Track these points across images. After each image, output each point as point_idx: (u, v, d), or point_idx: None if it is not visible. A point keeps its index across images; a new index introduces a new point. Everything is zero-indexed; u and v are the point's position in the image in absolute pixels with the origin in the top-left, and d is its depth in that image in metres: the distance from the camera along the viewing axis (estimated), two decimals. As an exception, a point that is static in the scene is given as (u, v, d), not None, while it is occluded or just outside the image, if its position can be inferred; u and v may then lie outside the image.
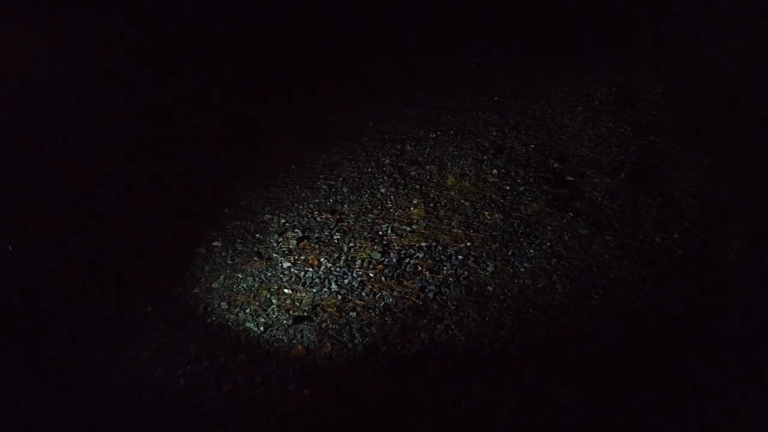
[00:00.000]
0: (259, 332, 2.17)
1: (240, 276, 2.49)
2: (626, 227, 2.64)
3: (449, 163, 3.35)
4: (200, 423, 1.80)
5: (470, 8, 6.23)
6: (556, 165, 3.27)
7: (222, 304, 2.33)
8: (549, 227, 2.67)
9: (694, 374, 1.87)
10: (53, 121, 3.89)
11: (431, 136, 3.72)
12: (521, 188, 3.02)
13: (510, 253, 2.52)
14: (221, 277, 2.49)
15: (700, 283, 2.26)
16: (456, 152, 3.48)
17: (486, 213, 2.83)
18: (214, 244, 2.71)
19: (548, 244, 2.56)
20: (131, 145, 3.58)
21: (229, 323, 2.23)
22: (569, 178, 3.13)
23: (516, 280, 2.35)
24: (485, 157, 3.39)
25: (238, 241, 2.72)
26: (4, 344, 1.78)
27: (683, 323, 2.08)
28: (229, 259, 2.60)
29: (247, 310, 2.28)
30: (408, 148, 3.57)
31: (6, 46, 4.70)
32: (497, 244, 2.58)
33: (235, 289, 2.41)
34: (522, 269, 2.42)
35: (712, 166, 3.17)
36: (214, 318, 2.26)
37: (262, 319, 2.23)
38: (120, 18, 5.50)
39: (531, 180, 3.10)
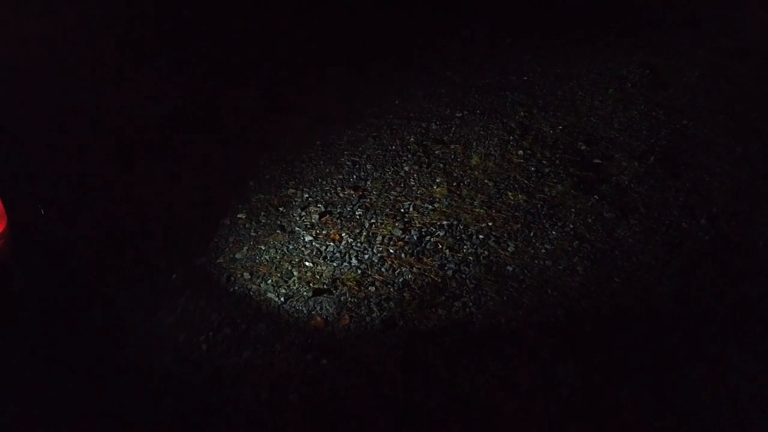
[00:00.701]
0: (279, 302, 2.22)
1: (263, 248, 2.53)
2: (652, 212, 2.59)
3: (474, 143, 3.33)
4: (220, 387, 1.86)
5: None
6: (583, 147, 3.22)
7: (244, 274, 2.38)
8: (573, 209, 2.64)
9: (716, 362, 1.84)
10: (90, 92, 3.98)
11: (457, 115, 3.69)
12: (546, 170, 2.99)
13: (532, 234, 2.51)
14: (244, 248, 2.54)
15: (727, 270, 2.22)
16: (482, 132, 3.45)
17: (509, 193, 2.81)
18: (238, 216, 2.76)
19: (571, 226, 2.53)
20: (166, 118, 3.65)
21: (251, 293, 2.28)
22: (596, 160, 3.08)
23: (537, 261, 2.34)
24: (511, 137, 3.35)
25: (262, 213, 2.77)
26: (47, 306, 1.86)
27: (708, 311, 2.05)
28: (252, 231, 2.65)
29: (269, 281, 2.33)
30: (433, 127, 3.55)
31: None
32: (519, 225, 2.57)
33: (257, 260, 2.46)
34: (543, 250, 2.40)
35: (745, 152, 3.08)
36: (236, 287, 2.31)
37: (283, 290, 2.27)
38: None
39: (557, 162, 3.06)
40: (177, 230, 2.65)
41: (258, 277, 2.36)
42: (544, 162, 3.06)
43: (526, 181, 2.90)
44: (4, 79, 4.07)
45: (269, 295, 2.26)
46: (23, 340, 1.66)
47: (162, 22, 5.24)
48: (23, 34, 4.77)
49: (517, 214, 2.65)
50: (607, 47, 4.77)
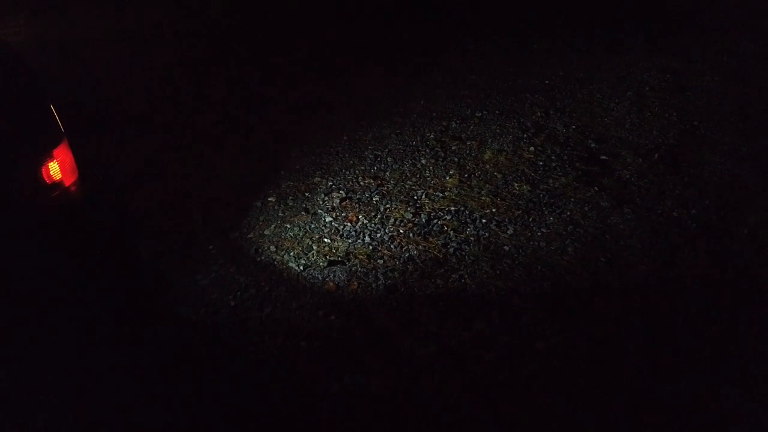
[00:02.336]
0: (299, 270, 2.53)
1: (288, 226, 2.86)
2: (647, 202, 2.77)
3: (490, 140, 3.57)
4: (244, 334, 2.18)
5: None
6: (593, 145, 3.41)
7: (271, 247, 2.71)
8: (572, 199, 2.86)
9: (684, 336, 2.03)
10: (167, 91, 4.48)
11: (477, 114, 3.94)
12: (554, 164, 3.20)
13: (530, 220, 2.73)
14: (272, 226, 2.87)
15: (707, 253, 2.39)
16: (498, 130, 3.69)
17: (515, 184, 3.04)
18: (269, 199, 3.10)
19: (568, 213, 2.75)
20: (215, 112, 4.09)
21: (275, 262, 2.60)
22: (603, 157, 3.27)
23: (531, 242, 2.57)
24: (525, 135, 3.58)
25: (290, 197, 3.10)
26: (107, 268, 2.24)
27: (683, 288, 2.23)
28: (280, 212, 2.99)
29: (291, 254, 2.65)
30: (453, 125, 3.82)
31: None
32: (520, 212, 2.80)
33: (282, 236, 2.79)
34: (539, 233, 2.63)
35: (750, 151, 3.20)
36: (263, 257, 2.64)
37: (303, 261, 2.59)
38: None
39: (565, 157, 3.27)
40: (217, 209, 3.01)
41: (282, 250, 2.68)
42: (553, 157, 3.28)
43: (532, 174, 3.12)
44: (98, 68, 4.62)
45: (290, 264, 2.58)
46: (86, 278, 2.03)
47: (222, 37, 5.73)
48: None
49: (519, 202, 2.88)
50: (631, 52, 4.92)
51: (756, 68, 4.37)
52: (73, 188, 1.87)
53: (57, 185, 1.84)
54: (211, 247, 2.73)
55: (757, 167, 3.02)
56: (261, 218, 2.94)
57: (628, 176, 3.04)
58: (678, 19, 5.61)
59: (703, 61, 4.60)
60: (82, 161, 1.93)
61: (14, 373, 1.98)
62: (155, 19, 6.60)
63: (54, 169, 1.81)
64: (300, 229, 2.83)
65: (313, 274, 2.50)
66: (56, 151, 1.82)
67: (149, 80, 4.89)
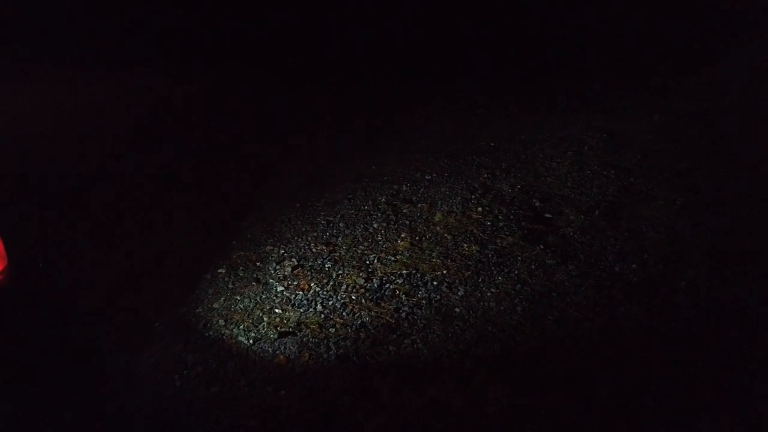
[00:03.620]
0: (248, 344, 2.47)
1: (238, 298, 2.81)
2: (590, 258, 2.86)
3: (440, 202, 3.66)
4: (189, 417, 2.09)
5: (479, 57, 6.69)
6: (537, 204, 3.53)
7: (220, 321, 2.65)
8: (519, 258, 2.92)
9: (630, 391, 2.06)
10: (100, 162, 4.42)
11: (426, 177, 4.05)
12: (501, 224, 3.29)
13: (480, 280, 2.77)
14: (222, 298, 2.82)
15: (648, 306, 2.46)
16: (447, 192, 3.79)
17: (465, 245, 3.10)
18: (219, 270, 3.06)
19: (516, 272, 2.80)
20: (159, 187, 4.05)
21: (224, 337, 2.54)
22: (547, 215, 3.38)
23: (482, 303, 2.60)
24: (473, 196, 3.68)
25: (240, 268, 3.07)
26: (51, 346, 2.13)
27: (627, 342, 2.28)
28: (230, 283, 2.94)
29: (241, 327, 2.59)
30: (404, 189, 3.90)
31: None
32: (470, 272, 2.84)
33: (232, 309, 2.73)
34: (489, 293, 2.67)
35: (684, 205, 3.37)
36: (211, 332, 2.58)
37: (253, 334, 2.53)
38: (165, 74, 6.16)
39: (511, 217, 3.37)
40: (164, 283, 2.94)
41: (232, 324, 2.62)
42: (500, 217, 3.37)
43: (481, 234, 3.20)
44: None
45: (240, 338, 2.52)
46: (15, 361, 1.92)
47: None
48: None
49: (469, 263, 2.93)
50: (572, 114, 5.21)
51: (685, 126, 4.68)
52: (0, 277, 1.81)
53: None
54: (157, 324, 2.65)
55: (691, 220, 3.18)
56: (210, 291, 2.89)
57: (571, 233, 3.14)
58: (613, 80, 6.00)
59: (637, 120, 4.90)
60: (14, 244, 1.88)
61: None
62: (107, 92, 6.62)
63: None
64: (250, 301, 2.78)
65: (264, 348, 2.44)
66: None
67: (93, 152, 4.85)
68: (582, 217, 3.31)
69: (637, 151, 4.24)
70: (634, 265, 2.77)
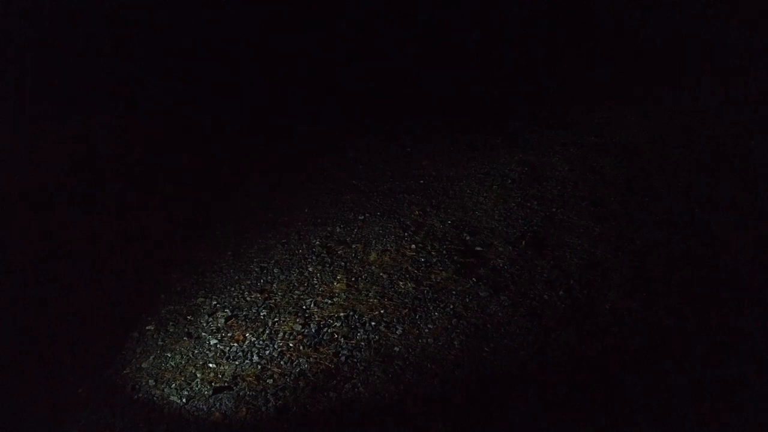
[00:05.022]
0: (181, 403, 2.35)
1: (169, 355, 2.69)
2: (520, 288, 2.97)
3: (374, 241, 3.69)
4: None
5: (407, 97, 6.91)
6: (468, 237, 3.64)
7: (150, 381, 2.51)
8: (454, 292, 2.98)
9: (564, 412, 2.13)
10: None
11: (359, 218, 4.08)
12: (434, 259, 3.36)
13: (417, 317, 2.80)
14: (151, 357, 2.68)
15: (576, 331, 2.57)
16: (381, 231, 3.83)
17: (400, 283, 3.13)
18: (147, 327, 2.91)
19: (451, 306, 2.86)
20: (83, 240, 3.84)
21: (155, 398, 2.40)
22: (478, 248, 3.49)
23: (420, 340, 2.62)
24: (406, 233, 3.75)
25: (170, 323, 2.94)
26: None
27: (559, 367, 2.36)
28: (160, 340, 2.81)
29: (173, 385, 2.47)
30: (338, 230, 3.91)
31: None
32: (407, 310, 2.87)
33: (163, 367, 2.60)
34: (426, 330, 2.69)
35: (602, 232, 3.58)
36: (141, 394, 2.44)
37: (186, 392, 2.42)
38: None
39: (444, 252, 3.45)
40: (87, 344, 2.77)
41: (162, 383, 2.49)
42: (433, 253, 3.44)
43: (415, 271, 3.24)
44: None
45: (172, 398, 2.40)
46: None
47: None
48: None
49: (405, 300, 2.96)
50: (494, 150, 5.45)
51: (597, 156, 5.01)
52: None
53: None
54: (80, 390, 2.47)
55: (610, 246, 3.38)
56: (138, 350, 2.74)
57: (501, 264, 3.25)
58: (530, 118, 6.36)
59: (553, 153, 5.20)
60: None
61: None
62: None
63: None
64: (182, 357, 2.66)
65: (198, 406, 2.33)
66: None
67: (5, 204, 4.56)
68: (510, 248, 3.44)
69: (557, 182, 4.49)
70: (561, 292, 2.89)
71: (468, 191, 4.44)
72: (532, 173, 4.73)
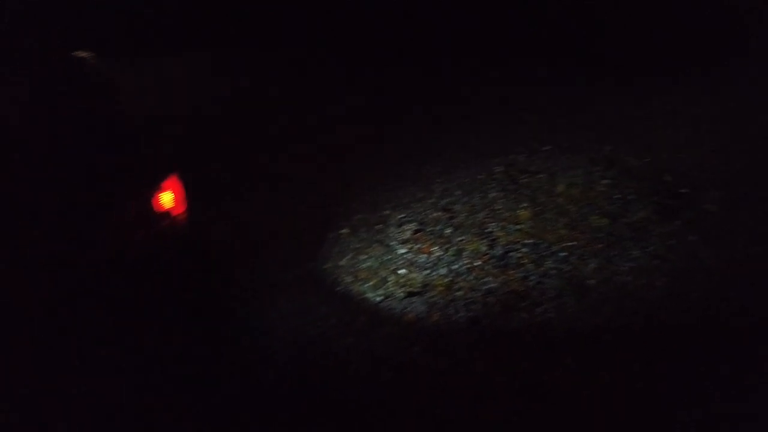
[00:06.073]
0: (377, 301, 2.52)
1: (362, 257, 2.87)
2: (735, 236, 2.65)
3: (560, 173, 3.52)
4: (325, 365, 2.17)
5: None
6: (669, 178, 3.31)
7: (347, 278, 2.72)
8: (655, 233, 2.76)
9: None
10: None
11: (543, 148, 3.90)
12: (631, 197, 3.12)
13: (613, 254, 2.65)
14: (347, 257, 2.89)
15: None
16: (568, 163, 3.64)
17: (593, 217, 2.97)
18: (342, 231, 3.13)
19: (652, 247, 2.65)
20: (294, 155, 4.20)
21: (353, 293, 2.60)
22: (683, 190, 3.16)
23: (617, 277, 2.49)
24: (596, 168, 3.51)
25: (362, 230, 3.12)
26: (195, 293, 2.30)
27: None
28: (354, 243, 3.01)
29: (368, 284, 2.65)
30: (520, 159, 3.79)
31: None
32: (601, 245, 2.73)
33: (358, 267, 2.79)
34: (624, 268, 2.54)
35: None
36: (340, 288, 2.65)
37: (380, 292, 2.58)
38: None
39: (643, 191, 3.18)
40: (291, 241, 3.06)
41: (359, 281, 2.69)
42: (629, 190, 3.19)
43: (609, 207, 3.05)
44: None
45: (368, 295, 2.57)
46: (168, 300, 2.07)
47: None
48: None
49: (599, 235, 2.81)
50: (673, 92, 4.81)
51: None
52: (181, 218, 1.94)
53: (166, 215, 1.91)
54: (289, 276, 2.76)
55: None
56: (335, 250, 2.97)
57: (712, 209, 2.92)
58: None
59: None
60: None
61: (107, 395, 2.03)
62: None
63: (165, 199, 1.89)
64: (375, 260, 2.83)
65: (392, 305, 2.48)
66: (167, 182, 1.90)
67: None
68: (722, 193, 3.06)
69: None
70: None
71: (663, 132, 4.01)
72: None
